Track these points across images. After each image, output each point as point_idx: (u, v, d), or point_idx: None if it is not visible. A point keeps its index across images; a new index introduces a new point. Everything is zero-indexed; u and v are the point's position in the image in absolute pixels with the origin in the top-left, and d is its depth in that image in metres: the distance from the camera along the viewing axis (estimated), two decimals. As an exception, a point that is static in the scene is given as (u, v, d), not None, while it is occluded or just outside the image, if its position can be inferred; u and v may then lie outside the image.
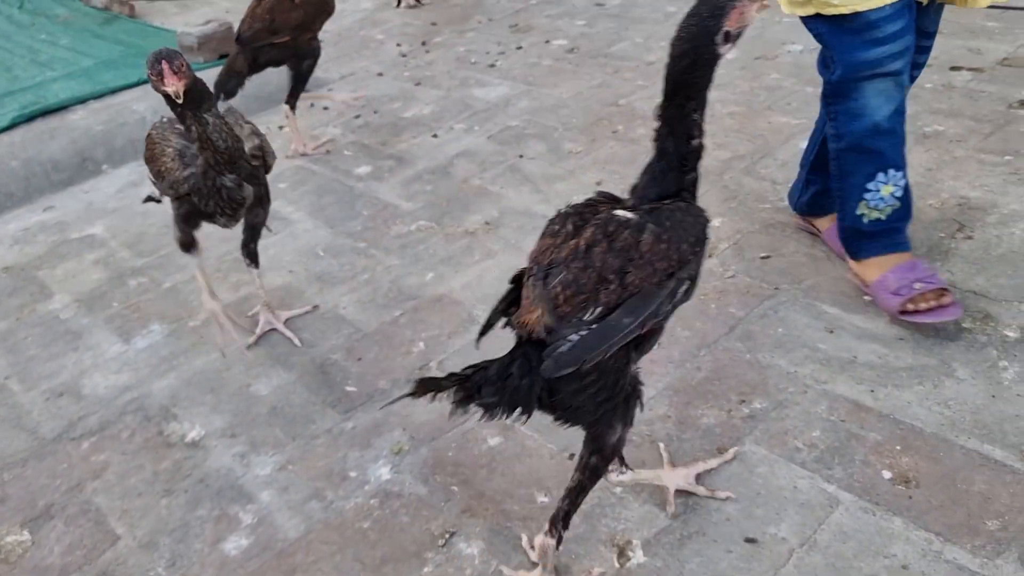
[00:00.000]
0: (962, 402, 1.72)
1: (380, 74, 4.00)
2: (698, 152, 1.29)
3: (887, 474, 1.58)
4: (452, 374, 1.23)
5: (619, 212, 1.26)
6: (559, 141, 3.08)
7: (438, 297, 2.32)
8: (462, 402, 1.22)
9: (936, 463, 1.59)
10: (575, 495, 1.40)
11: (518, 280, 1.33)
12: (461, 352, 2.09)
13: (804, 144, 2.33)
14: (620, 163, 2.86)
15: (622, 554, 1.52)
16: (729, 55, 1.26)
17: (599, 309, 1.20)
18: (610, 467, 1.47)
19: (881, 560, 1.43)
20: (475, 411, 1.24)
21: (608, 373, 1.27)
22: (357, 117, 3.54)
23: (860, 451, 1.64)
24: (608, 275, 1.20)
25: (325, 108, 3.67)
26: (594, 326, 1.19)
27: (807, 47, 3.44)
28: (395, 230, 2.68)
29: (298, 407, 1.99)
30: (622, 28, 4.05)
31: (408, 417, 1.90)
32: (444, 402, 1.23)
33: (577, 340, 1.18)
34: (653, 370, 1.92)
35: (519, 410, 1.24)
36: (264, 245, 2.37)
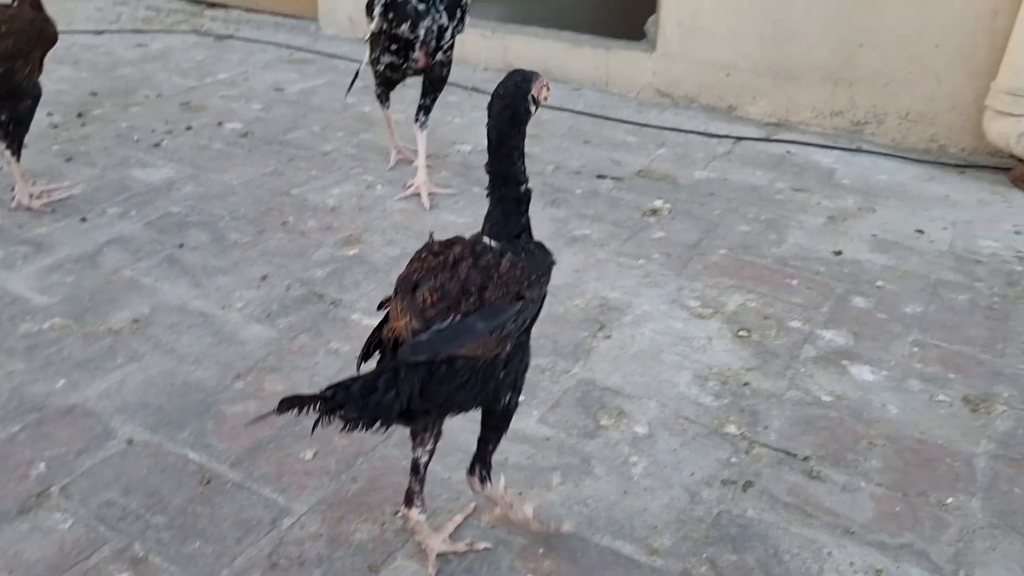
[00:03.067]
0: (599, 499, 1.83)
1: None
2: (528, 196, 1.53)
3: (530, 579, 1.62)
4: (323, 391, 1.30)
5: (485, 239, 1.47)
6: (225, 231, 2.93)
7: (68, 408, 2.05)
8: (324, 416, 1.30)
9: (574, 563, 1.67)
10: (495, 438, 1.61)
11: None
12: (91, 473, 1.85)
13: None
14: (288, 255, 2.78)
15: None
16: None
17: (459, 317, 1.37)
18: (478, 477, 1.62)
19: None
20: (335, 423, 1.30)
21: (481, 374, 1.43)
22: (-12, 194, 3.12)
23: (507, 557, 1.68)
24: (470, 288, 1.38)
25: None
26: (451, 324, 1.36)
27: (475, 147, 3.64)
28: (23, 328, 2.36)
29: None
30: (299, 115, 4.01)
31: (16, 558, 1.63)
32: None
33: (434, 332, 1.35)
34: (307, 483, 1.84)
35: (379, 423, 1.36)
36: None
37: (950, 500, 1.86)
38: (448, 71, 3.17)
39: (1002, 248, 2.96)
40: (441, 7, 2.90)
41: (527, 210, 1.55)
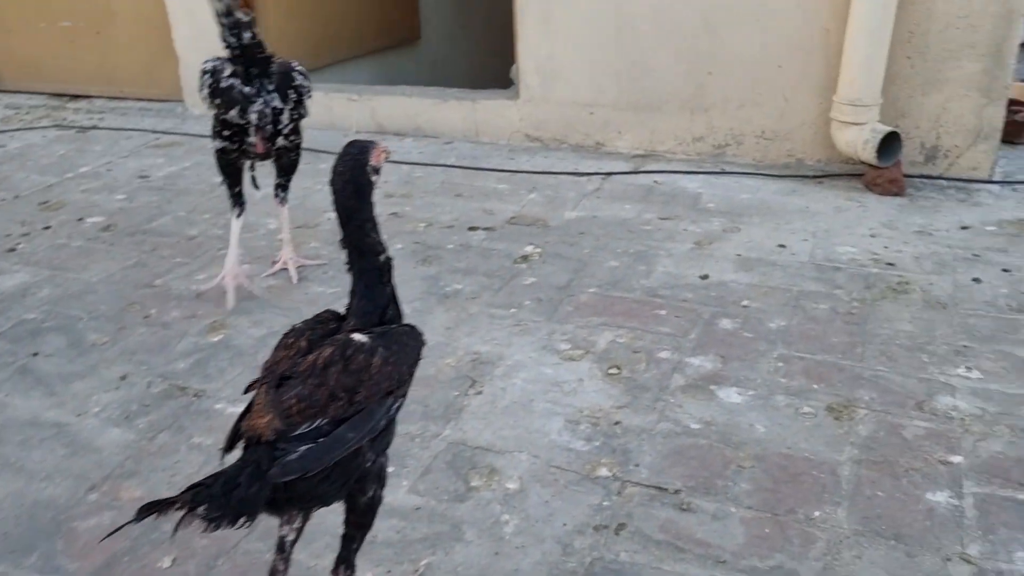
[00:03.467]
0: (470, 566, 1.78)
1: None
2: (389, 265, 1.51)
3: (398, 663, 1.56)
4: (183, 492, 1.25)
5: (356, 336, 1.42)
6: (83, 332, 2.81)
7: (-97, 549, 1.91)
8: (186, 518, 1.24)
9: (444, 638, 1.62)
10: (359, 535, 1.53)
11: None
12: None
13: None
14: (149, 351, 2.68)
15: None
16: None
17: (326, 421, 1.33)
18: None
19: None
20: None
21: (345, 466, 1.38)
22: None
23: (374, 643, 1.61)
24: (339, 392, 1.34)
25: None
26: (321, 440, 1.32)
27: (346, 214, 3.60)
28: None
29: None
30: (165, 201, 3.92)
31: None
32: None
33: (304, 451, 1.31)
34: (163, 595, 1.74)
35: (243, 519, 1.29)
36: None
37: (817, 514, 1.88)
38: (297, 156, 3.02)
39: (859, 252, 3.07)
40: (271, 88, 2.75)
41: (390, 279, 1.53)
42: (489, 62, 4.34)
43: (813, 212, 3.44)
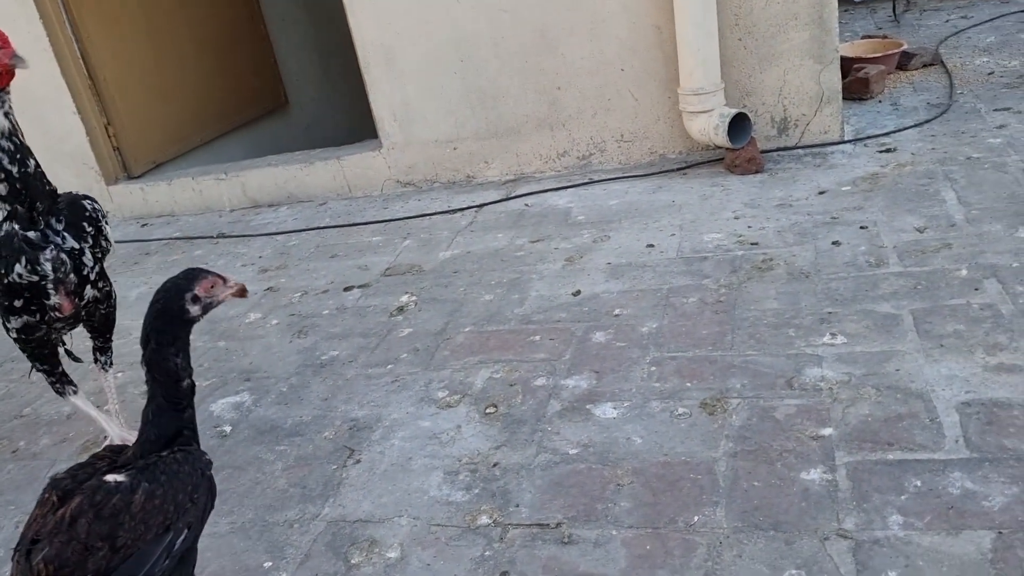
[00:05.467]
0: (352, 652, 1.71)
1: None
2: (190, 390, 1.47)
3: None
4: None
5: (109, 477, 1.32)
6: (-52, 482, 2.66)
7: None
8: None
9: None
10: None
11: None
12: None
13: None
14: (18, 488, 2.54)
15: None
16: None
17: None
18: None
19: None
20: None
21: None
22: None
23: None
24: (96, 543, 1.24)
25: None
26: None
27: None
28: None
29: None
30: (35, 322, 3.76)
31: None
32: None
33: None
34: None
35: None
36: None
37: (696, 519, 1.85)
38: (112, 307, 2.41)
39: (724, 237, 3.09)
40: (59, 227, 2.15)
41: (190, 404, 1.50)
42: (366, 115, 4.31)
43: (679, 205, 3.47)
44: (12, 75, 2.07)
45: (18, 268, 2.09)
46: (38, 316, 2.21)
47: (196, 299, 1.46)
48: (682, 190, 3.61)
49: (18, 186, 2.08)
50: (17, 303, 2.16)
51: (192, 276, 1.48)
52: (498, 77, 4.00)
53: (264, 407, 2.65)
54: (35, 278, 2.12)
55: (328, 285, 3.48)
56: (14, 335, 2.29)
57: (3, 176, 2.07)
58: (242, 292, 1.57)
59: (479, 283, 3.17)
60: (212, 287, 1.50)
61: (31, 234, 2.11)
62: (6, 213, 2.09)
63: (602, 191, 3.80)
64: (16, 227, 2.10)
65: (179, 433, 1.46)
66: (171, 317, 1.45)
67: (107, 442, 2.50)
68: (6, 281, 2.12)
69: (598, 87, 3.88)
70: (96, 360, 2.57)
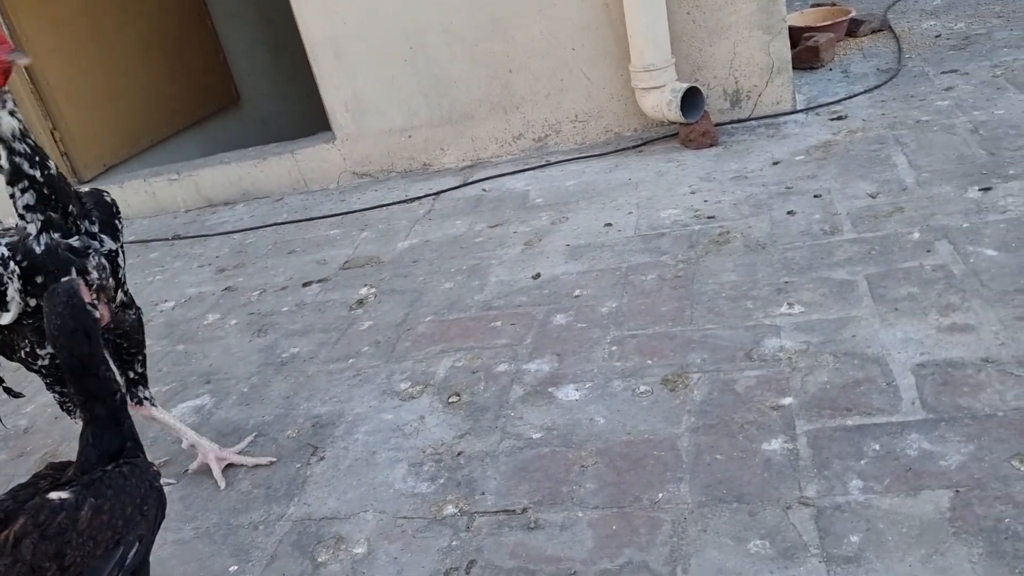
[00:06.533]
0: (321, 651, 1.69)
1: None
2: (124, 402, 1.46)
3: None
4: None
5: (53, 495, 1.29)
6: (-97, 504, 2.60)
7: None
8: None
9: None
10: None
11: None
12: None
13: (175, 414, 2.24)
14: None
15: None
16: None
17: None
18: None
19: None
20: None
21: None
22: None
23: None
24: (43, 563, 1.21)
25: None
26: None
27: (178, 302, 3.45)
28: None
29: None
30: (-12, 335, 3.68)
31: None
32: None
33: None
34: None
35: None
36: None
37: (661, 496, 1.85)
38: (140, 311, 2.23)
39: (681, 213, 3.09)
40: (94, 229, 1.98)
41: (126, 417, 1.48)
42: (321, 109, 4.26)
43: (636, 183, 3.46)
44: (10, 72, 1.88)
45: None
46: None
47: (93, 305, 1.45)
48: (638, 168, 3.61)
49: (46, 191, 1.88)
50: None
51: (72, 291, 1.42)
52: (448, 63, 3.96)
53: (225, 409, 2.62)
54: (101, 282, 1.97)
55: (287, 282, 3.43)
56: (44, 362, 2.05)
57: (27, 183, 1.86)
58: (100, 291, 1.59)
59: (439, 271, 3.15)
60: (87, 292, 1.47)
61: (74, 242, 1.93)
62: (40, 223, 1.89)
63: (559, 172, 3.79)
64: (56, 237, 1.91)
65: (122, 448, 1.44)
66: (86, 334, 1.42)
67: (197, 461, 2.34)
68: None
69: (550, 68, 3.86)
70: (134, 400, 2.24)
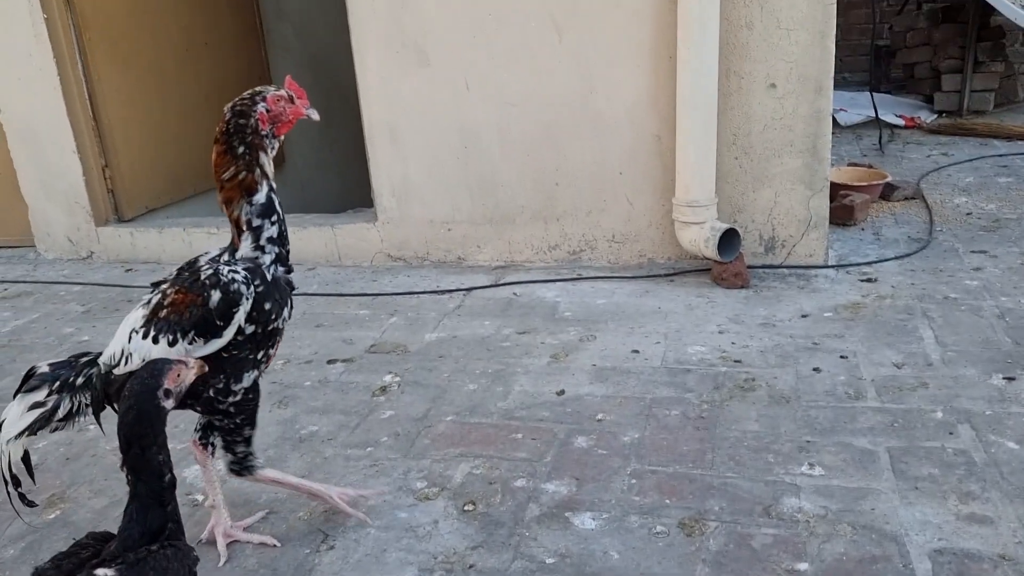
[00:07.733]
0: None
1: None
2: (172, 484, 1.48)
3: None
4: None
5: (100, 572, 1.32)
6: (-98, 525, 2.59)
7: None
8: None
9: None
10: None
11: None
12: None
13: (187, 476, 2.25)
14: (-24, 540, 2.48)
15: None
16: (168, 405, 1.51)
17: None
18: None
19: None
20: None
21: None
22: None
23: None
24: None
25: None
26: None
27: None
28: None
29: None
30: (8, 360, 3.71)
31: None
32: None
33: None
34: None
35: None
36: None
37: (669, 645, 1.85)
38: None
39: (708, 351, 3.15)
40: (275, 249, 2.06)
41: (172, 498, 1.51)
42: (360, 180, 4.38)
43: (665, 312, 3.54)
44: (293, 125, 2.09)
45: (285, 312, 2.07)
46: (260, 369, 2.12)
47: (168, 393, 1.48)
48: (669, 297, 3.69)
49: (282, 228, 2.05)
50: (260, 354, 2.07)
51: (158, 371, 1.48)
52: (498, 165, 4.10)
53: (239, 479, 2.62)
54: (281, 323, 2.07)
55: (312, 356, 3.48)
56: (238, 398, 2.10)
57: (277, 218, 2.03)
58: (202, 369, 1.60)
59: (463, 371, 3.20)
60: (178, 375, 1.51)
61: (292, 277, 2.12)
62: (275, 256, 2.03)
63: (590, 288, 3.87)
64: (281, 270, 2.06)
65: (163, 528, 1.46)
66: (149, 419, 1.46)
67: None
68: (271, 328, 2.02)
69: (595, 187, 3.99)
70: (249, 465, 2.26)
